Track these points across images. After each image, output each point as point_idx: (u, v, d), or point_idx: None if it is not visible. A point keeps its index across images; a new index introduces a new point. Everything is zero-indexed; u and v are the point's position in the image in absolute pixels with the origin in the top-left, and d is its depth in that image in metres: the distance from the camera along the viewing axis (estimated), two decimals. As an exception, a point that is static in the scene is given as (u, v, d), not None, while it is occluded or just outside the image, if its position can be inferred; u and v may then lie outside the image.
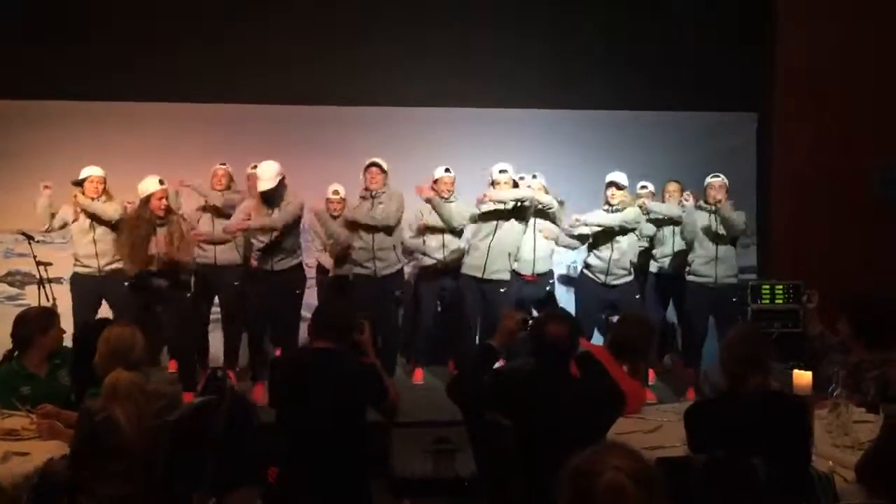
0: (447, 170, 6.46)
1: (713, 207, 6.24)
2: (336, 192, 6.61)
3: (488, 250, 6.14)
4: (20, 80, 7.23)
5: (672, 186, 6.83)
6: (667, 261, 6.66)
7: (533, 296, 6.48)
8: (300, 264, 6.17)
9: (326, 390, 3.50)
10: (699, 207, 6.35)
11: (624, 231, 6.20)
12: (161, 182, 5.77)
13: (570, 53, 7.66)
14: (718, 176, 6.32)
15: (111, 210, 6.04)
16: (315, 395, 3.50)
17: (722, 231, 6.24)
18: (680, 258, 6.54)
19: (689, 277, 6.36)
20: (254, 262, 6.15)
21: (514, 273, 6.33)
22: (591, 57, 7.66)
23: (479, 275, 6.17)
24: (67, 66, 7.24)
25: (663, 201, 6.78)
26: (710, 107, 7.82)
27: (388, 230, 6.19)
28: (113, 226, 6.08)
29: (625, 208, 6.16)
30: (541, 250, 6.43)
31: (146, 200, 5.76)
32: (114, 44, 7.29)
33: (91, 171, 6.09)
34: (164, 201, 5.75)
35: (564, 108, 7.69)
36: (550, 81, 7.61)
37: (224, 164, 6.61)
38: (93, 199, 6.05)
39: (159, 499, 3.33)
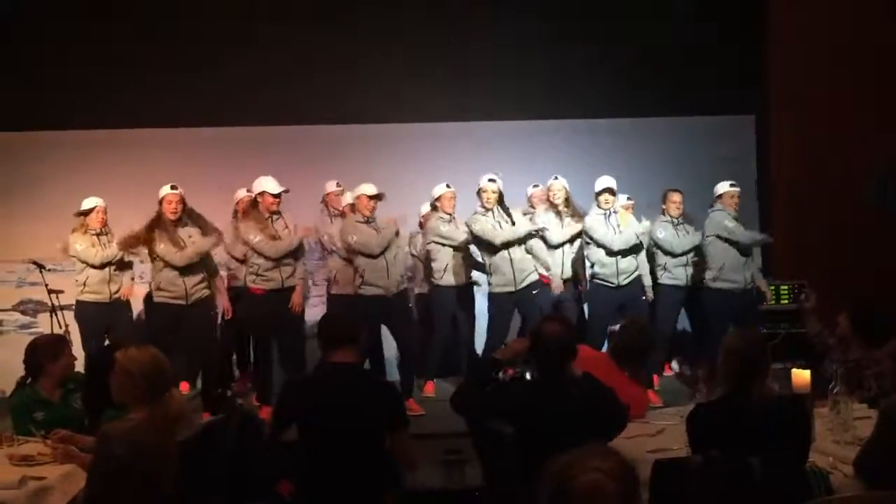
0: (448, 186, 6.49)
1: (735, 214, 6.40)
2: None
3: (511, 263, 6.22)
4: (30, 112, 7.35)
5: (677, 196, 6.67)
6: (679, 271, 6.63)
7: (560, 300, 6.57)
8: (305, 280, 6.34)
9: (350, 406, 3.50)
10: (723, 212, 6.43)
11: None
12: (174, 188, 5.92)
13: (564, 62, 7.72)
14: (736, 185, 6.49)
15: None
16: (339, 410, 3.49)
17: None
18: (692, 268, 6.57)
19: (716, 284, 6.40)
20: (253, 288, 6.11)
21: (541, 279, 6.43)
22: (585, 65, 7.73)
23: (511, 289, 6.25)
24: (74, 97, 7.37)
25: (665, 213, 6.78)
26: (708, 111, 7.86)
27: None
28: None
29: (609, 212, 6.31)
30: (567, 257, 6.56)
31: (159, 203, 5.95)
32: (117, 74, 7.41)
33: (96, 202, 6.28)
34: (175, 205, 5.87)
35: (560, 118, 7.76)
36: (545, 91, 7.68)
37: (250, 191, 6.53)
38: (98, 230, 6.25)
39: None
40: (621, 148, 7.65)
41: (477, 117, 7.69)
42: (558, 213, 6.61)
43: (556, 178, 6.65)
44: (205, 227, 6.03)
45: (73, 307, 6.38)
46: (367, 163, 7.26)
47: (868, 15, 7.18)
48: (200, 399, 6.12)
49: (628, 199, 6.88)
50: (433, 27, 7.69)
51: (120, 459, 3.26)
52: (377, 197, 6.12)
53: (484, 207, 6.26)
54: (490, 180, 6.24)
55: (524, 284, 6.28)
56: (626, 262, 6.33)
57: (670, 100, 7.76)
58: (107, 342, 6.11)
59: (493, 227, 6.23)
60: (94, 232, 6.28)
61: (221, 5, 7.61)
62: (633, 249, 6.37)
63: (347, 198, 6.64)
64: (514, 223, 6.26)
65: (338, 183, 6.85)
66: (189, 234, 5.94)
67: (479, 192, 6.26)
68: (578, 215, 6.60)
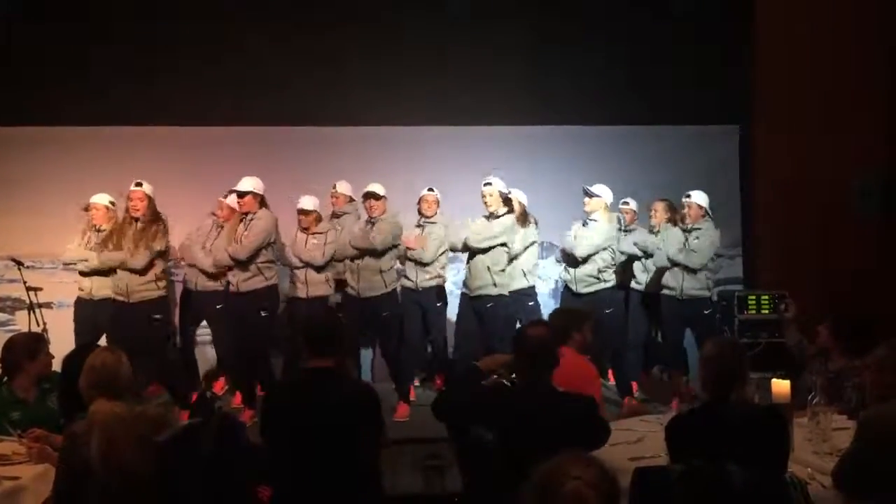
0: (430, 189, 6.54)
1: (688, 226, 6.32)
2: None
3: (469, 268, 6.33)
4: (8, 106, 7.27)
5: (659, 205, 6.79)
6: (643, 276, 6.73)
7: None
8: (271, 287, 6.13)
9: (328, 412, 3.50)
10: (675, 223, 6.44)
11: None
12: (138, 184, 5.98)
13: (551, 69, 7.74)
14: (689, 195, 6.39)
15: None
16: (317, 417, 3.49)
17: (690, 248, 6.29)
18: (658, 275, 6.62)
19: (663, 291, 6.42)
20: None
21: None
22: (572, 72, 7.74)
23: (469, 293, 6.31)
24: (61, 92, 7.28)
25: (650, 220, 6.82)
26: (693, 120, 7.90)
27: (374, 253, 6.22)
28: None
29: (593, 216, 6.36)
30: (519, 266, 6.52)
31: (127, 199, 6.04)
32: (100, 70, 7.35)
33: (92, 199, 6.24)
34: (136, 202, 5.95)
35: (547, 124, 7.77)
36: (531, 98, 7.68)
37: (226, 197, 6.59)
38: (98, 226, 6.18)
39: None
40: (608, 155, 7.67)
41: (467, 122, 7.68)
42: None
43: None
44: (154, 235, 5.99)
45: (73, 302, 6.38)
46: (360, 166, 7.24)
47: (852, 24, 7.24)
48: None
49: (623, 202, 6.91)
50: (427, 32, 7.67)
51: (85, 460, 3.24)
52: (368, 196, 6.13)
53: (490, 213, 6.29)
54: (485, 184, 6.27)
55: (478, 294, 6.27)
56: (585, 270, 6.37)
57: (656, 108, 7.79)
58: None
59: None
60: (95, 229, 6.24)
61: (216, 5, 7.56)
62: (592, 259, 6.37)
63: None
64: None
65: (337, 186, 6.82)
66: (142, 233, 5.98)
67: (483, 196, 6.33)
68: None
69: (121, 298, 5.99)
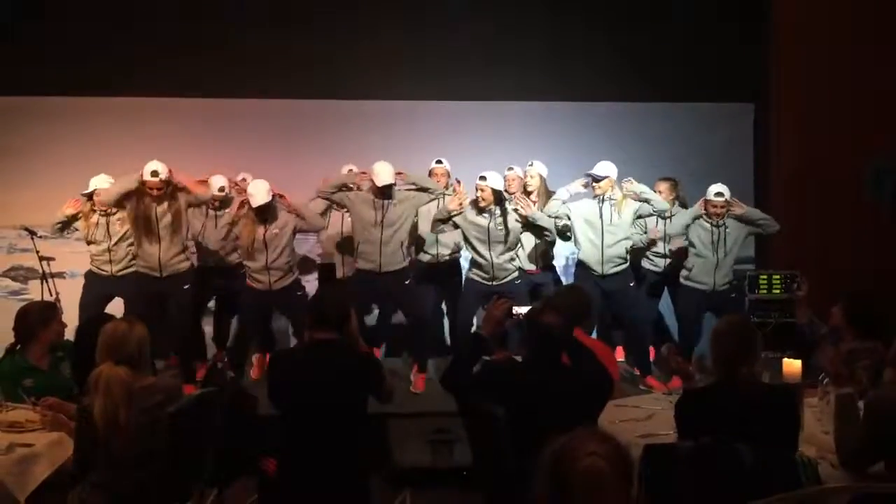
0: (439, 161, 6.48)
1: (718, 222, 6.23)
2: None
3: (493, 265, 6.12)
4: (22, 77, 7.27)
5: (663, 185, 6.66)
6: (660, 261, 6.70)
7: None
8: (297, 279, 6.23)
9: (331, 382, 3.53)
10: (700, 217, 6.36)
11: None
12: (154, 174, 5.77)
13: (564, 45, 7.64)
14: (722, 194, 6.20)
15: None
16: (320, 387, 3.52)
17: (724, 240, 6.27)
18: (672, 259, 6.60)
19: (686, 283, 6.38)
20: (250, 284, 6.08)
21: (520, 269, 6.34)
22: (585, 48, 7.64)
23: (490, 283, 6.16)
24: (70, 63, 7.26)
25: None
26: (707, 98, 7.80)
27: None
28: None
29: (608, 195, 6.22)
30: (539, 243, 6.46)
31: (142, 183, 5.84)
32: (113, 40, 7.31)
33: (98, 184, 6.05)
34: (157, 192, 5.77)
35: (559, 99, 7.68)
36: (544, 73, 7.59)
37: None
38: (104, 211, 6.04)
39: (160, 490, 3.39)
40: (620, 132, 7.58)
41: (476, 97, 7.60)
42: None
43: (531, 164, 6.49)
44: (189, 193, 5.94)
45: (84, 273, 6.32)
46: (365, 140, 7.21)
47: (869, 4, 7.14)
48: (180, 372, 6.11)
49: (626, 181, 6.68)
50: (436, 5, 7.61)
51: (94, 426, 3.28)
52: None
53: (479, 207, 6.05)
54: (480, 178, 5.98)
55: (504, 281, 6.17)
56: (613, 251, 6.25)
57: (670, 86, 7.69)
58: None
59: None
60: (101, 212, 6.06)
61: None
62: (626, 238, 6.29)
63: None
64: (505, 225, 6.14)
65: (350, 170, 6.63)
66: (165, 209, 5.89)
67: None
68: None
69: (153, 274, 5.95)
